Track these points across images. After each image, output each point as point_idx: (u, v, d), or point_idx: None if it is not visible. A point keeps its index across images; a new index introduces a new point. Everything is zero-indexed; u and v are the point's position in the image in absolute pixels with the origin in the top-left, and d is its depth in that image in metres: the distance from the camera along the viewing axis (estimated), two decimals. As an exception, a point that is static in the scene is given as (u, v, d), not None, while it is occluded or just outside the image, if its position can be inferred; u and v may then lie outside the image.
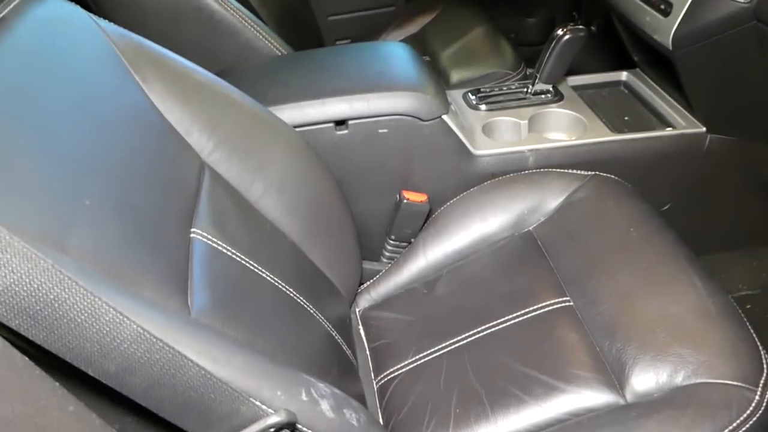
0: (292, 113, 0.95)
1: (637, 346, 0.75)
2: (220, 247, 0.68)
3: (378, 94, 0.97)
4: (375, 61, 1.10)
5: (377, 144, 1.01)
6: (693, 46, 1.03)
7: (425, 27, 1.52)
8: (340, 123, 0.97)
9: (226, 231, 0.70)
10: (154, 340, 0.42)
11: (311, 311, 0.78)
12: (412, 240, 1.02)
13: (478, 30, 1.44)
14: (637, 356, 0.74)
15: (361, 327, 0.96)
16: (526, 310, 0.85)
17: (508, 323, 0.84)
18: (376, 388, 0.87)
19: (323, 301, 0.82)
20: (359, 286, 1.01)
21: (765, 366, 0.70)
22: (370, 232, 1.07)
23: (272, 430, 0.49)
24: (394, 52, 1.13)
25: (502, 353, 0.81)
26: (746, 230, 1.27)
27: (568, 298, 0.84)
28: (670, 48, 1.04)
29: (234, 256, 0.69)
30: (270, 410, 0.50)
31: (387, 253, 1.08)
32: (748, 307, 1.21)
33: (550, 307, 0.84)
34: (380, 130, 0.99)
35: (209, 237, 0.67)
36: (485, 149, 1.06)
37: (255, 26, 1.15)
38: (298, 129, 0.94)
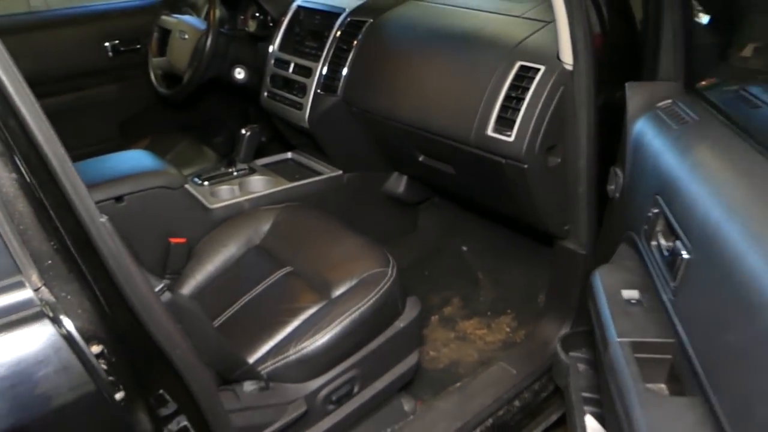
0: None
1: (331, 274, 1.36)
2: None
3: (141, 174, 1.46)
4: (133, 159, 1.59)
5: (148, 209, 1.48)
6: (320, 124, 1.78)
7: (149, 146, 2.04)
8: (119, 199, 1.43)
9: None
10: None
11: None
12: (182, 270, 1.50)
13: (184, 143, 2.03)
14: (332, 278, 1.36)
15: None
16: (269, 278, 1.40)
17: (267, 284, 1.39)
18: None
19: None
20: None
21: (390, 260, 1.38)
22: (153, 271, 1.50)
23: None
24: (142, 155, 1.63)
25: (268, 302, 1.35)
26: (391, 226, 2.07)
27: (290, 267, 1.43)
28: (308, 127, 1.78)
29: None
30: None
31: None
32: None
33: (280, 274, 1.41)
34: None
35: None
36: (216, 204, 1.62)
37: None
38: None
